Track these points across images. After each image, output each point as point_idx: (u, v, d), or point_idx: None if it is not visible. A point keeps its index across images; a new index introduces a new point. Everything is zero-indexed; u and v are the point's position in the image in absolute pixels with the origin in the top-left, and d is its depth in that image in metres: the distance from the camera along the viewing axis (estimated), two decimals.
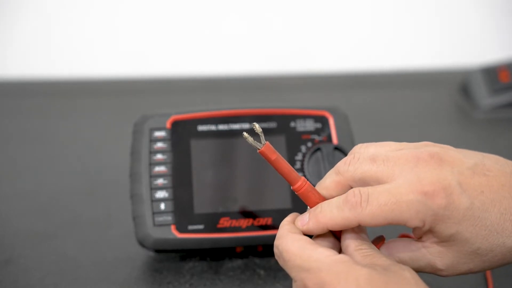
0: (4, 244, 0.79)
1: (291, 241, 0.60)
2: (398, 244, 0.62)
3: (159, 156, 0.73)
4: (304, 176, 0.73)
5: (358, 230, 0.61)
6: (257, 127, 0.61)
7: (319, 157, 0.74)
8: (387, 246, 0.62)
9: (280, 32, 1.29)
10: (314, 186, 0.62)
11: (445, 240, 0.59)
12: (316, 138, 0.76)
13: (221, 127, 0.75)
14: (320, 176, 0.73)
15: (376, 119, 1.07)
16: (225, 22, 1.29)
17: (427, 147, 0.61)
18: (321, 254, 0.58)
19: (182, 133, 0.74)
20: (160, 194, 0.72)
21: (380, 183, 0.59)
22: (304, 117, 0.76)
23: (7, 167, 0.95)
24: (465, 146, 0.65)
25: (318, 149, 0.75)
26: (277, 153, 0.61)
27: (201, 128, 0.75)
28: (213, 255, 0.75)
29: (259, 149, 0.61)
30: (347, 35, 1.30)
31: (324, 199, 0.61)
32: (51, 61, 1.24)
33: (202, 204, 0.72)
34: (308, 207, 0.62)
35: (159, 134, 0.74)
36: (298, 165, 0.75)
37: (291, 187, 0.62)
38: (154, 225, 0.72)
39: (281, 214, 0.68)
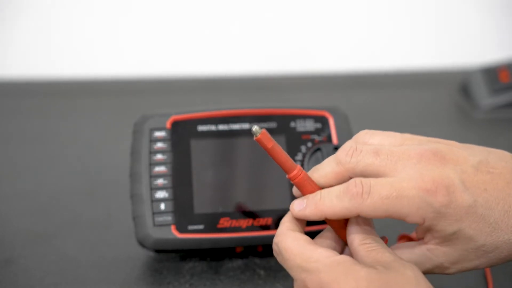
0: (4, 244, 0.79)
1: (290, 240, 0.60)
2: (403, 251, 0.62)
3: (159, 156, 0.73)
4: None
5: (363, 222, 0.60)
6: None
7: (319, 157, 0.74)
8: None
9: (280, 32, 1.29)
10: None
11: (448, 239, 0.59)
12: (316, 138, 0.76)
13: (221, 127, 0.75)
14: None
15: (376, 119, 1.07)
16: (225, 22, 1.29)
17: (431, 144, 0.60)
18: (320, 255, 0.58)
19: (182, 133, 0.74)
20: (160, 194, 0.72)
21: (380, 177, 0.59)
22: (304, 117, 0.76)
23: (7, 167, 0.95)
24: None
25: (318, 149, 0.75)
26: (274, 141, 0.60)
27: (201, 128, 0.75)
28: (213, 255, 0.75)
29: (256, 136, 0.60)
30: (347, 35, 1.30)
31: (320, 188, 0.61)
32: (51, 61, 1.24)
33: (202, 204, 0.72)
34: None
35: (159, 134, 0.74)
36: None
37: (287, 176, 0.61)
38: (154, 225, 0.71)
39: (281, 214, 0.68)
